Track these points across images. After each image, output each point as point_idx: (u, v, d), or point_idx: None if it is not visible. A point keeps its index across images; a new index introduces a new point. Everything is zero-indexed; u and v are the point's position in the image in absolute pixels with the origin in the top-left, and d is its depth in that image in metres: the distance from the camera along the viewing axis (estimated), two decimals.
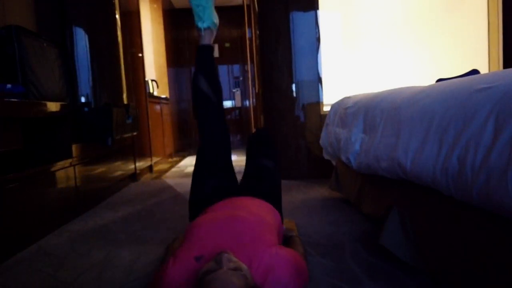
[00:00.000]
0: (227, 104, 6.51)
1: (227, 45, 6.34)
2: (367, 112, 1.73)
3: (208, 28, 1.63)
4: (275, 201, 1.52)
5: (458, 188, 0.98)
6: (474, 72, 1.66)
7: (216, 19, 1.64)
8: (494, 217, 0.91)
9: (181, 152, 5.96)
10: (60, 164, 2.13)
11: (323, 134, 2.47)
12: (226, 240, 1.07)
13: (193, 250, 1.06)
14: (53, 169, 2.06)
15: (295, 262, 1.05)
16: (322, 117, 3.12)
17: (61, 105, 2.16)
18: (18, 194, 1.76)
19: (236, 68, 6.41)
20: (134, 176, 3.47)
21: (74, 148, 2.28)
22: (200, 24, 1.62)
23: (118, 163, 3.04)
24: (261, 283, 0.97)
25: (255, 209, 1.29)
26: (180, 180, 3.44)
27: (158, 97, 4.54)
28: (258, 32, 3.33)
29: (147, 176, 3.80)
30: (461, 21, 3.27)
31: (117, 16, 3.10)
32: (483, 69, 3.17)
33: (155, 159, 4.17)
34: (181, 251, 1.09)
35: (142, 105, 3.84)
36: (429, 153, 1.11)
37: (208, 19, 1.62)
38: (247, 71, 5.78)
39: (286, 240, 1.49)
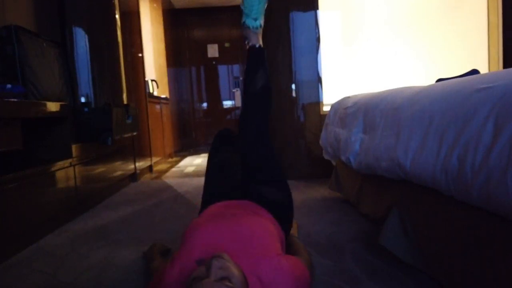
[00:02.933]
0: (227, 104, 6.51)
1: (227, 45, 6.34)
2: (367, 112, 1.73)
3: (256, 29, 1.50)
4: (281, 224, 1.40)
5: (458, 188, 0.99)
6: (474, 72, 1.66)
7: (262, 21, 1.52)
8: (494, 217, 0.91)
9: (181, 152, 5.96)
10: (60, 164, 2.13)
11: (323, 134, 2.47)
12: (229, 245, 1.02)
13: (194, 252, 1.02)
14: (53, 169, 2.06)
15: (298, 277, 1.00)
16: (322, 117, 3.12)
17: (61, 105, 2.16)
18: (18, 194, 1.76)
19: (236, 68, 6.41)
20: (134, 176, 3.47)
21: (74, 148, 2.28)
22: (249, 22, 1.48)
23: (118, 163, 3.04)
24: None
25: (256, 217, 1.23)
26: (180, 180, 3.44)
27: (158, 97, 4.54)
28: None
29: (147, 176, 3.80)
30: (461, 21, 3.27)
31: (117, 16, 3.10)
32: (483, 69, 3.17)
33: (155, 159, 4.17)
34: (181, 252, 1.05)
35: (142, 105, 3.84)
36: (429, 153, 1.11)
37: (260, 18, 1.49)
38: None
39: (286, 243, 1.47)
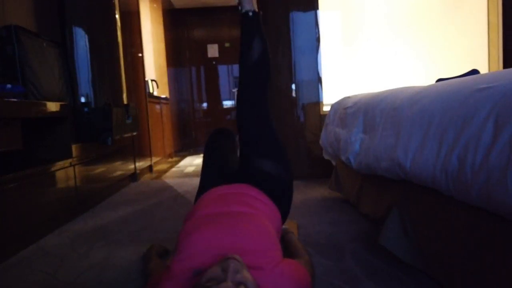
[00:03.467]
0: (227, 104, 6.51)
1: (227, 45, 6.34)
2: (367, 112, 1.73)
3: None
4: (280, 205, 1.41)
5: (458, 188, 0.98)
6: (474, 72, 1.66)
7: None
8: (494, 217, 0.91)
9: (181, 152, 5.96)
10: (60, 164, 2.13)
11: (323, 134, 2.47)
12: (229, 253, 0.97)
13: (191, 262, 0.97)
14: (53, 169, 2.06)
15: (300, 283, 0.99)
16: (322, 117, 3.12)
17: (61, 105, 2.16)
18: (18, 194, 1.76)
19: (236, 68, 6.40)
20: (134, 176, 3.47)
21: (74, 148, 2.28)
22: None
23: (118, 163, 3.04)
24: None
25: (254, 218, 1.19)
26: (180, 180, 3.44)
27: (158, 97, 4.54)
28: None
29: (147, 176, 3.80)
30: (461, 21, 3.27)
31: (117, 16, 3.10)
32: (483, 69, 3.17)
33: (155, 159, 4.17)
34: (177, 262, 0.99)
35: (142, 105, 3.84)
36: (429, 153, 1.11)
37: None
38: None
39: (283, 239, 1.47)
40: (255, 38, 1.41)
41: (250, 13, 1.43)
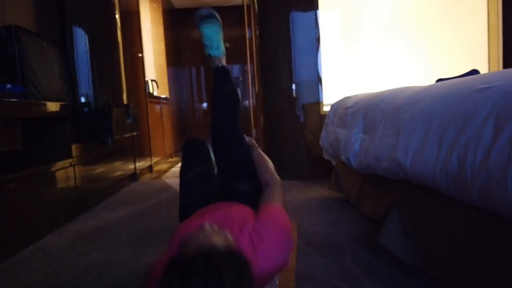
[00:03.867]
0: None
1: (227, 45, 6.28)
2: (367, 112, 1.73)
3: (221, 55, 1.71)
4: None
5: (458, 188, 0.99)
6: (474, 72, 1.66)
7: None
8: (494, 217, 0.91)
9: (181, 152, 5.96)
10: (60, 164, 2.12)
11: (323, 134, 2.47)
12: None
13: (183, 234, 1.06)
14: (53, 169, 2.06)
15: (286, 229, 1.03)
16: (322, 117, 3.12)
17: (61, 105, 2.16)
18: (18, 194, 1.76)
19: (236, 68, 6.41)
20: (134, 176, 3.47)
21: (74, 148, 2.28)
22: (213, 52, 1.70)
23: (118, 163, 3.04)
24: (250, 256, 0.95)
25: (237, 204, 1.28)
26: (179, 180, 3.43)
27: (158, 97, 4.54)
28: (258, 32, 3.33)
29: (147, 176, 3.80)
30: (461, 21, 3.26)
31: (117, 16, 3.10)
32: (483, 69, 3.17)
33: (155, 159, 4.17)
34: (172, 244, 1.09)
35: (142, 105, 3.83)
36: (429, 153, 1.11)
37: (221, 45, 1.71)
38: (247, 71, 5.77)
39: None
40: (226, 85, 1.58)
41: (220, 65, 1.66)
